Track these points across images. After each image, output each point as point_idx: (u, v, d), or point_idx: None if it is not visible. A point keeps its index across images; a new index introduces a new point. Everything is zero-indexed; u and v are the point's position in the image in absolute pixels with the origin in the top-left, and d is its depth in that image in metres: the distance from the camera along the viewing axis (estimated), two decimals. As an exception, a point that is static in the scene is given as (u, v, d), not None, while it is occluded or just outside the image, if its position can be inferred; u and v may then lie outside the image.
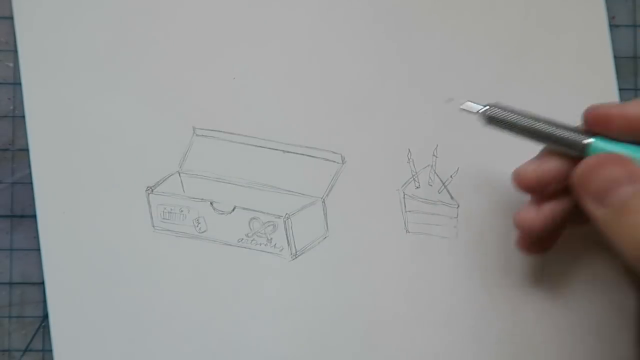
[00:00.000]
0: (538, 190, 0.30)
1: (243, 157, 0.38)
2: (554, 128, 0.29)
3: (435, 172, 0.38)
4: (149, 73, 0.38)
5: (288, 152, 0.38)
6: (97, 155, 0.37)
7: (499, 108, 0.30)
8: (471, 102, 0.31)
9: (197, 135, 0.38)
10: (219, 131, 0.38)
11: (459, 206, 0.37)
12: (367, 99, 0.38)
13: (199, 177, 0.38)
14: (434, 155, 0.38)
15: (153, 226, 0.37)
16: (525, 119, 0.29)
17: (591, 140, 0.28)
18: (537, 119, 0.29)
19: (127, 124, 0.38)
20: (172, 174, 0.38)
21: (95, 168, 0.37)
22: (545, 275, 0.37)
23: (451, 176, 0.38)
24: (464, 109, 0.31)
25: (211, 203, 0.38)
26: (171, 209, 0.38)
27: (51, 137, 0.37)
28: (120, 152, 0.38)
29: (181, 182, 0.38)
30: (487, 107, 0.30)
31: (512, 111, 0.30)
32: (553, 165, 0.30)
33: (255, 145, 0.38)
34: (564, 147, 0.29)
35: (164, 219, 0.38)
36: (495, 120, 0.30)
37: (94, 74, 0.38)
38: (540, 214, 0.30)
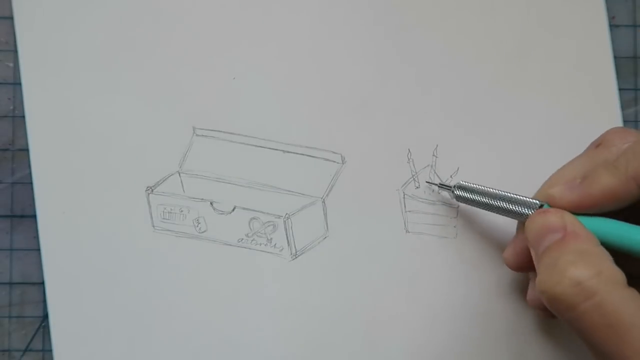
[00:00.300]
0: (526, 268, 0.33)
1: (243, 157, 0.38)
2: (506, 203, 0.32)
3: (435, 172, 0.38)
4: (149, 73, 0.38)
5: (288, 152, 0.38)
6: (97, 155, 0.37)
7: (462, 189, 0.34)
8: (437, 184, 0.37)
9: (197, 135, 0.38)
10: (219, 131, 0.38)
11: (459, 206, 0.37)
12: (367, 99, 0.38)
13: (199, 177, 0.38)
14: (433, 155, 0.38)
15: (153, 226, 0.37)
16: (484, 197, 0.33)
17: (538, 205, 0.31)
18: (494, 196, 0.33)
19: (127, 124, 0.38)
20: (172, 174, 0.38)
21: (95, 168, 0.37)
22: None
23: (451, 176, 0.38)
24: (428, 183, 0.37)
25: (211, 203, 0.38)
26: (171, 209, 0.38)
27: (51, 137, 0.37)
28: (120, 152, 0.37)
29: (181, 182, 0.38)
30: (455, 186, 0.35)
31: (474, 190, 0.34)
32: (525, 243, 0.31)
33: (255, 145, 0.38)
34: (519, 217, 0.32)
35: (164, 219, 0.38)
36: (462, 199, 0.34)
37: (94, 74, 0.38)
38: (517, 258, 0.33)
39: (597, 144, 0.31)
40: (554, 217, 0.29)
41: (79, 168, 0.37)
